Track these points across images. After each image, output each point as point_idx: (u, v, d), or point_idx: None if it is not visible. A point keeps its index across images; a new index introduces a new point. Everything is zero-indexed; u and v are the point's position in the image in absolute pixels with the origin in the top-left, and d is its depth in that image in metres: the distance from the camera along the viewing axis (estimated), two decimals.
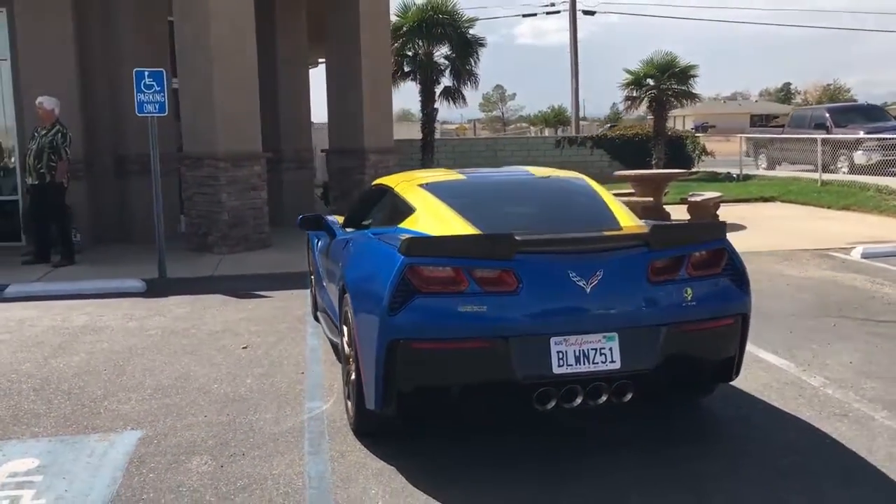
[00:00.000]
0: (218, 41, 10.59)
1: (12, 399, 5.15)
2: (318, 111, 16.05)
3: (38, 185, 10.09)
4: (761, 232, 12.00)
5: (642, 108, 21.49)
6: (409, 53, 19.21)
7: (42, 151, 9.98)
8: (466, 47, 19.25)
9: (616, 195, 12.69)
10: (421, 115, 19.84)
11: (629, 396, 3.96)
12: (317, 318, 6.71)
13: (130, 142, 11.86)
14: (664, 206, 13.08)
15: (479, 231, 4.23)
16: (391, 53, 18.48)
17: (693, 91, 20.79)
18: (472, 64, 19.50)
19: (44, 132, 10.05)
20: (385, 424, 4.23)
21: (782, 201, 16.29)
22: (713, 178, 20.38)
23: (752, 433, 4.44)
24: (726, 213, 13.92)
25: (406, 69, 19.30)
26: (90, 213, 11.66)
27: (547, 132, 73.24)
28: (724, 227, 4.25)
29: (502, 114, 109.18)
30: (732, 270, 4.16)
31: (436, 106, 19.68)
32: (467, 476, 3.92)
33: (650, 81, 20.73)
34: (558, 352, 3.80)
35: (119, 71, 11.54)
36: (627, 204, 12.04)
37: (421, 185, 4.94)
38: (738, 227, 12.54)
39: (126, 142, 11.94)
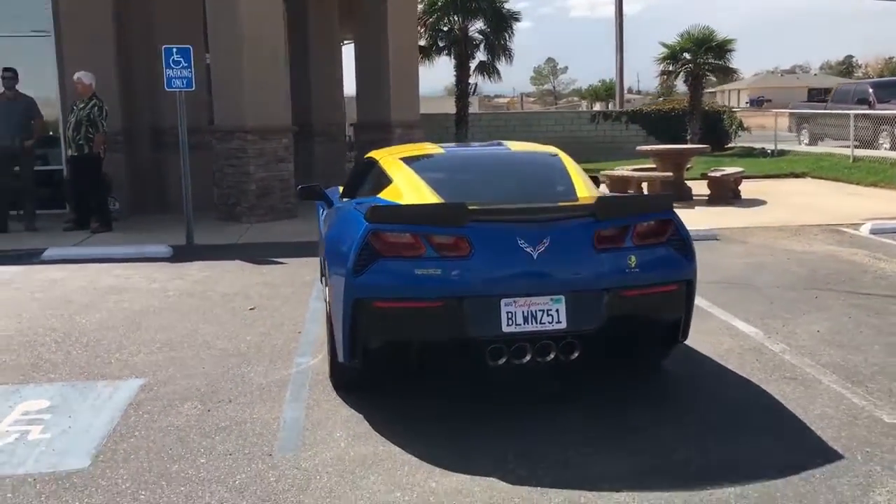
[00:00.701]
0: (247, 19, 11.04)
1: (35, 349, 5.69)
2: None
3: (77, 156, 10.71)
4: (780, 207, 12.11)
5: (679, 83, 21.41)
6: (444, 28, 19.47)
7: (80, 124, 10.58)
8: (501, 22, 19.45)
9: (637, 170, 12.95)
10: (456, 89, 20.09)
11: (576, 355, 4.30)
12: (323, 283, 7.15)
13: (166, 115, 12.34)
14: (685, 182, 13.23)
15: (442, 200, 4.59)
16: (426, 28, 18.86)
17: (730, 66, 20.70)
18: (507, 38, 19.73)
19: (81, 105, 10.64)
20: (358, 377, 4.64)
21: (812, 177, 16.26)
22: (748, 154, 20.33)
23: (700, 394, 4.76)
24: (750, 188, 14.06)
25: (441, 44, 19.56)
26: (129, 183, 12.25)
27: (598, 106, 72.90)
28: (671, 199, 4.57)
29: (553, 87, 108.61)
30: (678, 240, 4.46)
31: (470, 80, 19.91)
32: (425, 426, 4.32)
33: (686, 55, 20.68)
34: (508, 312, 4.16)
35: (156, 47, 12.05)
36: (646, 179, 12.34)
37: (401, 159, 5.33)
38: (758, 202, 12.69)
39: (162, 115, 12.46)
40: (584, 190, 4.89)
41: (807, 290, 7.06)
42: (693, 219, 10.80)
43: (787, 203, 12.57)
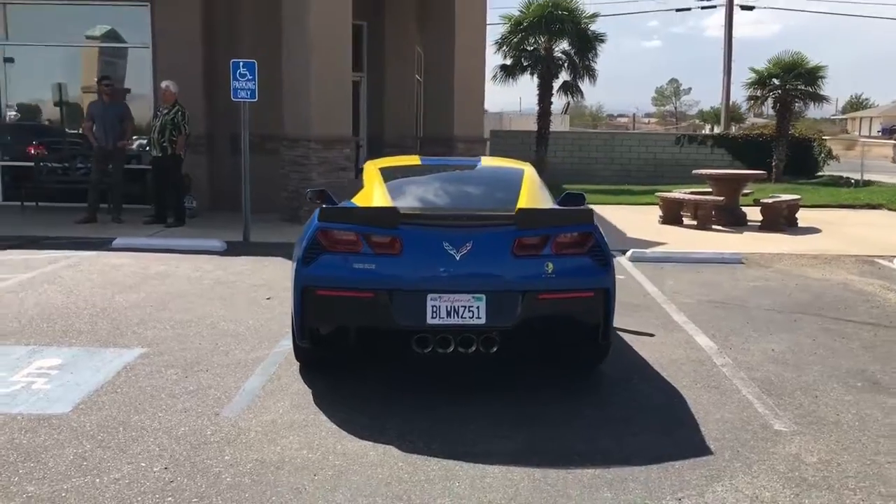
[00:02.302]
0: (315, 36, 11.93)
1: (70, 320, 6.61)
2: None
3: (160, 157, 11.85)
4: (831, 237, 12.07)
5: (767, 108, 21.19)
6: (529, 48, 19.96)
7: (165, 128, 11.72)
8: (585, 43, 19.82)
9: (693, 193, 13.11)
10: (538, 108, 20.57)
11: (495, 349, 4.82)
12: None
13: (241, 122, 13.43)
14: (740, 207, 13.31)
15: (392, 204, 5.19)
16: (510, 47, 19.46)
17: (821, 93, 20.35)
18: (591, 59, 20.02)
19: (166, 111, 11.78)
20: (312, 356, 5.28)
21: (889, 209, 15.93)
22: (833, 183, 19.94)
23: (619, 394, 5.17)
24: (812, 216, 14.01)
25: (524, 63, 20.07)
26: (209, 183, 13.36)
27: (717, 129, 71.46)
28: (591, 214, 5.02)
29: (675, 108, 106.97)
30: (597, 251, 4.90)
31: (556, 99, 20.38)
32: (359, 402, 4.92)
33: (775, 81, 20.47)
34: (432, 306, 4.72)
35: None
36: (698, 202, 12.51)
37: (379, 168, 5.97)
38: (811, 231, 12.67)
39: (240, 122, 13.51)
40: (527, 202, 5.38)
41: (792, 314, 7.27)
42: (730, 243, 11.08)
43: (841, 233, 12.49)
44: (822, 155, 22.16)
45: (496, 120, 31.40)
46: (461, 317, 4.72)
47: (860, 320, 7.08)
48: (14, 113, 14.58)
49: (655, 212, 13.82)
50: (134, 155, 13.49)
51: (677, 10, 32.34)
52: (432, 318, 4.72)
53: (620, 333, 6.49)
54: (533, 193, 5.59)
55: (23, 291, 7.60)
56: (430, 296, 4.72)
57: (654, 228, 12.57)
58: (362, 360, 5.66)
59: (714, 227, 12.75)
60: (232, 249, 10.02)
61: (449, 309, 4.72)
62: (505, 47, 20.11)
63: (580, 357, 5.48)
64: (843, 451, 4.29)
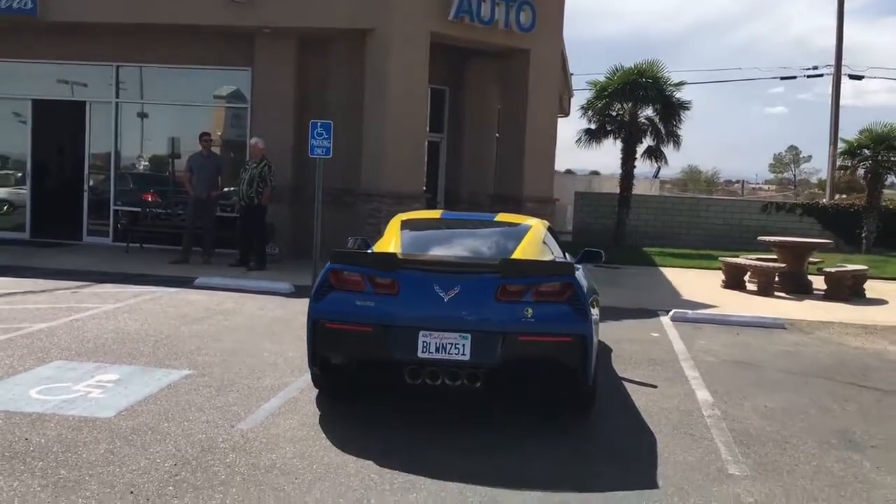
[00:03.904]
0: (393, 106, 12.97)
1: (136, 344, 7.53)
2: None
3: (247, 206, 12.97)
4: (894, 310, 11.96)
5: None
6: (613, 113, 20.48)
7: (253, 180, 12.86)
8: (670, 110, 20.15)
9: (758, 259, 13.24)
10: (621, 171, 20.97)
11: (479, 384, 5.37)
12: None
13: (326, 177, 14.45)
14: (806, 275, 13.32)
15: (402, 252, 5.86)
16: (595, 112, 20.06)
17: None
18: (675, 125, 20.32)
19: (254, 165, 12.93)
20: (325, 381, 5.94)
21: None
22: None
23: (599, 434, 5.61)
24: (884, 289, 13.87)
25: (608, 128, 20.56)
26: (293, 232, 14.37)
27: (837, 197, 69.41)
28: (572, 267, 5.53)
29: (794, 176, 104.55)
30: (576, 301, 5.40)
31: (640, 164, 20.76)
32: (357, 423, 5.55)
33: (866, 152, 20.25)
34: (423, 341, 5.32)
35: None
36: (759, 268, 12.62)
37: (402, 219, 6.67)
38: (877, 302, 12.61)
39: (325, 178, 14.57)
40: (522, 254, 5.94)
41: (806, 377, 7.49)
42: (783, 309, 11.22)
43: None
44: None
45: (585, 181, 31.85)
46: (448, 353, 5.30)
47: (871, 386, 7.23)
48: (145, 163, 16.14)
49: (721, 277, 13.97)
50: (229, 204, 14.70)
51: (782, 79, 32.07)
52: (423, 352, 5.31)
53: (624, 383, 6.90)
54: (532, 246, 6.14)
55: (105, 319, 8.62)
56: (421, 332, 5.32)
57: (712, 292, 12.75)
58: (370, 390, 6.29)
59: (777, 294, 12.83)
60: (298, 292, 10.87)
61: (438, 345, 5.31)
62: (590, 112, 20.68)
63: (567, 400, 5.93)
64: (782, 495, 4.62)
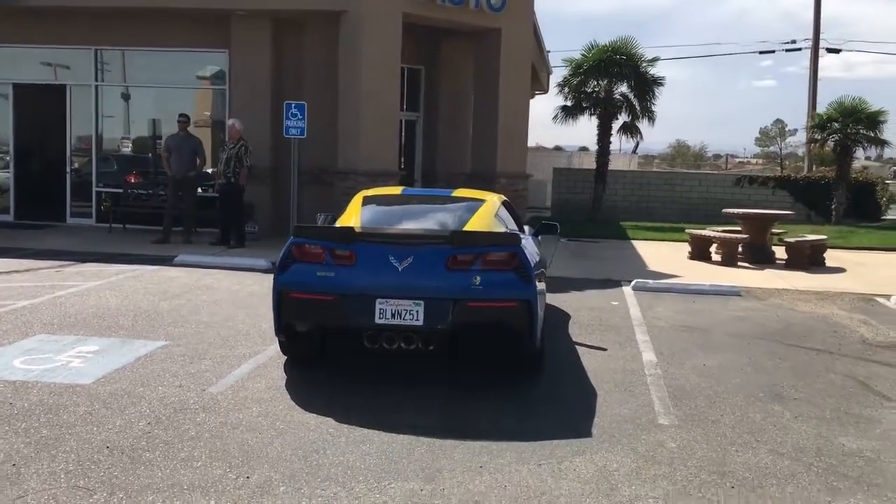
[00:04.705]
0: (366, 86, 13.29)
1: (116, 318, 7.93)
2: None
3: (225, 186, 13.31)
4: (851, 277, 12.45)
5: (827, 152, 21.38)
6: (588, 90, 20.83)
7: (230, 160, 13.19)
8: (644, 86, 20.53)
9: (724, 231, 13.69)
10: (597, 147, 21.37)
11: (432, 347, 5.79)
12: None
13: (305, 156, 14.83)
14: (767, 245, 13.79)
15: (362, 225, 6.26)
16: (570, 89, 20.41)
17: (882, 137, 20.45)
18: (650, 101, 20.70)
19: (231, 145, 13.26)
20: (291, 347, 6.36)
21: None
22: (895, 227, 19.95)
23: (543, 392, 6.06)
24: (844, 257, 14.37)
25: (584, 104, 20.93)
26: (271, 210, 14.71)
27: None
28: (518, 238, 5.95)
29: (780, 150, 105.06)
30: (521, 269, 5.82)
31: (611, 140, 21.14)
32: (323, 386, 5.97)
33: (835, 125, 20.69)
34: (380, 308, 5.73)
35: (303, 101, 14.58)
36: (725, 239, 13.07)
37: (363, 195, 7.07)
38: (834, 270, 13.08)
39: (302, 156, 14.93)
40: (473, 226, 6.35)
41: (750, 339, 7.95)
42: (743, 278, 11.71)
43: (864, 274, 12.83)
44: (885, 199, 22.12)
45: (565, 157, 32.24)
46: (403, 319, 5.72)
47: (809, 346, 7.70)
48: (128, 145, 16.43)
49: (688, 249, 14.41)
50: (210, 184, 15.03)
51: (760, 53, 32.34)
52: (380, 318, 5.73)
53: (577, 347, 7.35)
54: (484, 219, 6.55)
55: (87, 295, 9.00)
56: (378, 300, 5.73)
57: (678, 263, 13.20)
58: (332, 356, 6.72)
59: (740, 264, 13.29)
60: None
61: (393, 311, 5.72)
62: (566, 89, 21.04)
63: (516, 362, 6.36)
64: (703, 441, 5.07)
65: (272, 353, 6.78)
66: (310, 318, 5.98)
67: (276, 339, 6.54)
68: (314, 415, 5.34)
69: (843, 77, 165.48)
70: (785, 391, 6.21)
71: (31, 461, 4.47)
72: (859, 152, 23.24)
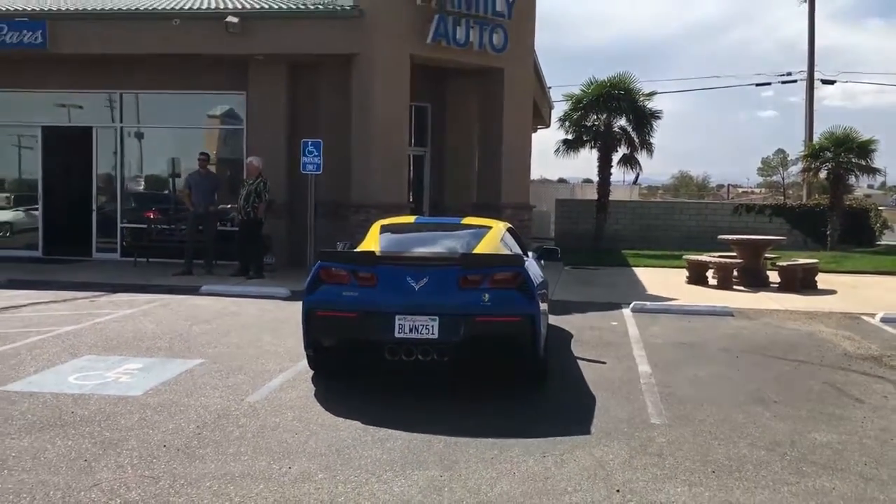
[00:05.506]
0: (377, 125, 14.12)
1: (154, 341, 8.61)
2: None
3: (244, 220, 14.06)
4: (841, 299, 13.07)
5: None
6: (588, 124, 21.64)
7: (249, 195, 13.95)
8: (642, 119, 21.34)
9: (720, 256, 14.32)
10: (598, 178, 22.12)
11: (447, 358, 6.46)
12: None
13: (319, 191, 15.58)
14: (761, 269, 14.44)
15: (380, 250, 6.96)
16: (571, 123, 21.21)
17: (873, 166, 21.19)
18: (648, 134, 21.50)
19: (250, 182, 14.02)
20: (319, 361, 7.02)
21: None
22: (888, 252, 20.59)
23: (548, 399, 6.71)
24: (835, 280, 15.00)
25: (585, 138, 21.72)
26: (288, 243, 15.44)
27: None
28: (521, 259, 6.65)
29: (782, 179, 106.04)
30: (525, 287, 6.51)
31: (611, 171, 21.90)
32: (350, 396, 6.63)
33: (827, 154, 21.44)
34: (399, 324, 6.41)
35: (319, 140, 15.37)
36: (720, 264, 13.73)
37: (381, 224, 7.79)
38: (825, 292, 13.71)
39: (317, 190, 15.69)
40: (481, 250, 7.05)
41: (740, 353, 8.59)
42: (737, 300, 12.33)
43: (854, 295, 13.46)
44: (878, 225, 22.79)
45: (568, 189, 33.04)
46: (420, 333, 6.39)
47: (793, 359, 8.34)
48: (142, 183, 17.25)
49: (686, 274, 15.07)
50: (228, 218, 15.78)
51: (757, 85, 33.21)
52: (399, 333, 6.40)
53: (578, 361, 8.00)
54: (491, 244, 7.26)
55: (124, 322, 9.70)
56: (397, 316, 6.41)
57: (676, 287, 13.85)
58: (355, 370, 7.39)
59: (735, 287, 13.94)
60: (294, 296, 11.91)
61: (411, 326, 6.40)
62: (567, 123, 21.86)
63: (523, 373, 7.01)
64: (690, 437, 5.71)
65: (300, 368, 7.45)
66: (335, 334, 6.66)
67: (304, 354, 7.21)
68: (342, 418, 5.99)
69: (844, 106, 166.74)
70: (767, 396, 6.84)
71: (100, 457, 5.13)
72: (862, 180, 23.92)
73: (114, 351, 8.12)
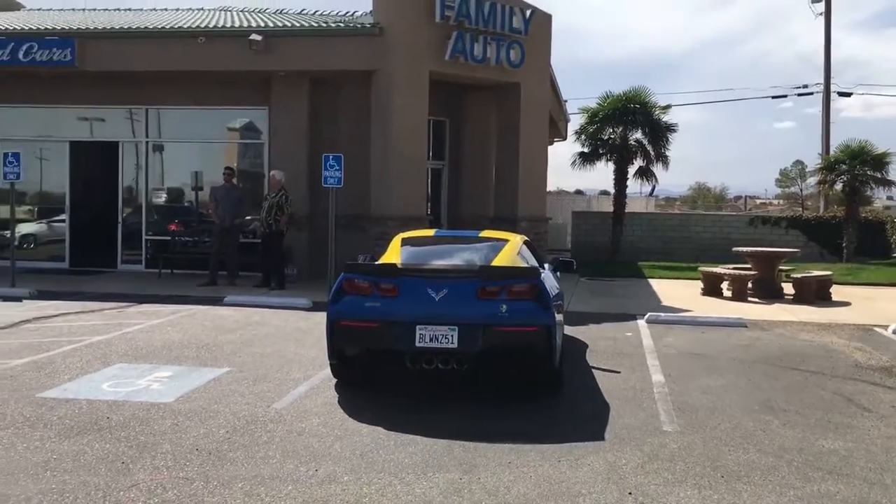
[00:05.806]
0: (396, 139, 14.43)
1: (182, 350, 8.91)
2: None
3: (267, 233, 14.38)
4: (854, 310, 13.21)
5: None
6: (605, 137, 21.87)
7: (272, 208, 14.28)
8: (658, 132, 21.54)
9: (734, 269, 14.52)
10: (614, 190, 22.32)
11: (466, 367, 6.70)
12: None
13: (339, 204, 15.87)
14: (776, 281, 14.59)
15: (401, 263, 7.22)
16: (587, 137, 21.44)
17: (888, 178, 21.27)
18: (663, 147, 21.69)
19: (273, 195, 14.36)
20: (342, 370, 7.27)
21: None
22: None
23: (564, 406, 6.92)
24: (850, 292, 15.13)
25: (601, 151, 21.95)
26: (309, 254, 15.74)
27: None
28: (537, 271, 6.88)
29: (800, 190, 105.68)
30: (541, 298, 6.75)
31: (627, 184, 22.09)
32: (373, 403, 6.88)
33: (843, 166, 21.54)
34: (420, 334, 6.66)
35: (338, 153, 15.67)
36: (734, 276, 13.91)
37: (402, 237, 8.05)
38: (839, 304, 13.85)
39: (337, 204, 15.98)
40: (499, 262, 7.30)
41: (751, 363, 8.77)
42: (751, 311, 12.48)
43: (868, 307, 13.58)
44: (894, 237, 22.82)
45: (584, 201, 33.25)
46: (440, 342, 6.64)
47: (804, 369, 8.51)
48: (165, 196, 17.64)
49: (701, 286, 15.24)
50: (250, 231, 16.12)
51: (773, 98, 33.21)
52: (420, 342, 6.65)
53: (593, 370, 8.22)
54: (508, 256, 7.50)
55: (152, 331, 10.01)
56: (418, 326, 6.66)
57: (691, 299, 14.03)
58: (377, 379, 7.64)
59: (749, 299, 14.10)
60: (316, 307, 12.21)
61: (431, 336, 6.65)
62: (583, 136, 22.11)
63: (539, 382, 7.24)
64: (700, 443, 5.92)
65: (324, 376, 7.71)
66: (359, 343, 6.92)
67: (327, 363, 7.47)
68: (366, 424, 6.24)
69: (863, 117, 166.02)
70: (777, 405, 7.03)
71: (136, 460, 5.40)
72: (881, 193, 23.99)
73: (144, 359, 8.42)
